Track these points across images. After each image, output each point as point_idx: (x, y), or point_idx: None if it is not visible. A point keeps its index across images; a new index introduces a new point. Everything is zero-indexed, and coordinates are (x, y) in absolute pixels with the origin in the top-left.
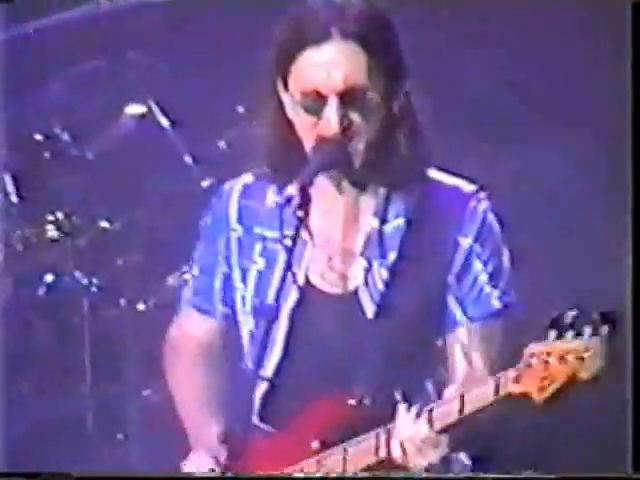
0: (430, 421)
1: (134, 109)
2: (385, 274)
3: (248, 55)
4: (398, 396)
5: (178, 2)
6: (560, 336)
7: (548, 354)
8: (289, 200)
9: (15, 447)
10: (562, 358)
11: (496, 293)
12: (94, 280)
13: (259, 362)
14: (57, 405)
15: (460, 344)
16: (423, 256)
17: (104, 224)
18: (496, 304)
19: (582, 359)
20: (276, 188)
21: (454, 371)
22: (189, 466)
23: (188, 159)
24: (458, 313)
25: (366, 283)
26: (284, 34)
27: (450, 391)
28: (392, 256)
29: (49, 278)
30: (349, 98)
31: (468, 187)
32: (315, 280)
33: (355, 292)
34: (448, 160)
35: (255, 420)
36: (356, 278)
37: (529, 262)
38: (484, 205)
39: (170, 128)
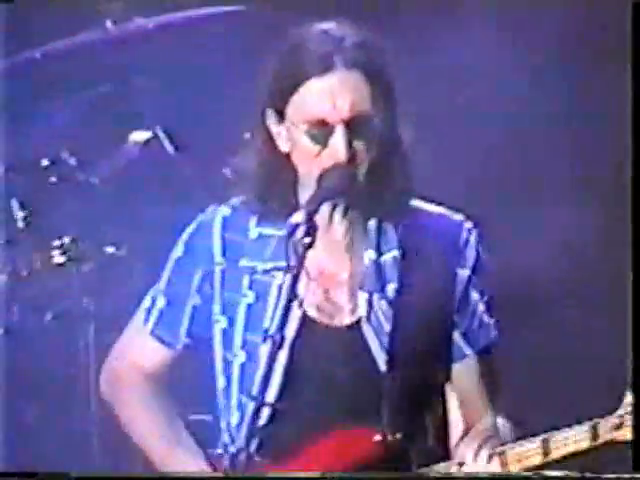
0: (504, 465)
1: (140, 135)
2: (385, 306)
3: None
4: (427, 431)
5: (183, 29)
6: None
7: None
8: (295, 228)
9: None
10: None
11: (492, 322)
12: (100, 305)
13: (260, 393)
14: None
15: (468, 376)
16: (423, 287)
17: (110, 249)
18: (494, 332)
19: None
20: (257, 218)
21: (463, 404)
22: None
23: (193, 186)
24: (462, 345)
25: (368, 317)
26: (282, 66)
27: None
28: (391, 288)
29: (55, 304)
30: (355, 126)
31: (455, 216)
32: (311, 312)
33: (356, 323)
34: (425, 188)
35: (254, 455)
36: (355, 311)
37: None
38: (475, 235)
39: (175, 154)
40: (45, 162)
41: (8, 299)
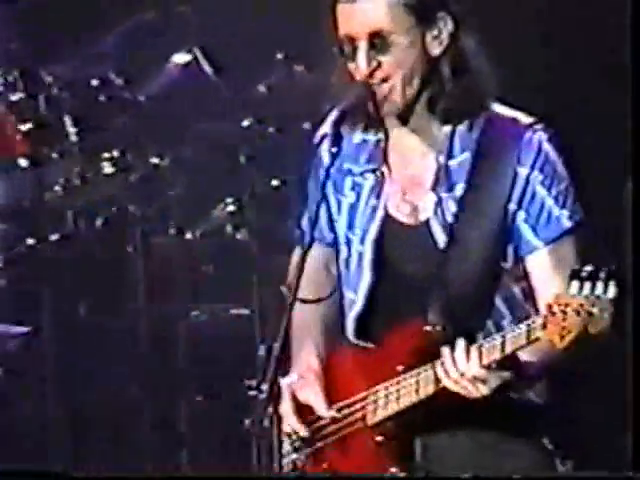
0: (480, 357)
1: (181, 57)
2: (453, 206)
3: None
4: (490, 324)
5: None
6: (580, 288)
7: (566, 305)
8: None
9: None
10: (577, 311)
11: (566, 213)
12: (146, 211)
13: (353, 284)
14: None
15: (538, 267)
16: (487, 187)
17: (155, 160)
18: (567, 223)
19: (591, 314)
20: (363, 126)
21: (534, 293)
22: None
23: (230, 102)
24: (532, 238)
25: (436, 215)
26: None
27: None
28: (459, 188)
29: (105, 210)
30: (376, 41)
31: (526, 119)
32: (392, 211)
33: (427, 223)
34: (508, 93)
35: (352, 337)
36: (426, 210)
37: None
38: (539, 135)
39: (213, 74)
40: (95, 82)
41: (63, 207)
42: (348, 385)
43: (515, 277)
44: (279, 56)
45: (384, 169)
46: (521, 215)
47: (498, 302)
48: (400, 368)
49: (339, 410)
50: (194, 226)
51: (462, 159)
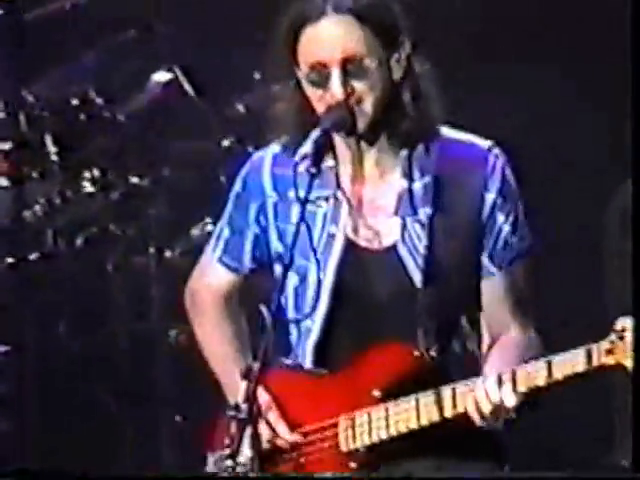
0: (514, 384)
1: (161, 76)
2: (420, 230)
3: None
4: (457, 346)
5: None
6: None
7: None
8: (303, 159)
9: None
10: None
11: (518, 238)
12: (126, 230)
13: (310, 312)
14: (90, 345)
15: (491, 292)
16: (454, 210)
17: (135, 179)
18: (519, 248)
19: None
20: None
21: (491, 319)
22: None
23: (209, 121)
24: (488, 264)
25: (403, 238)
26: (289, 17)
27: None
28: (423, 212)
29: (85, 230)
30: (349, 67)
31: (484, 143)
32: (352, 237)
33: (393, 247)
34: (458, 117)
35: (309, 365)
36: (391, 234)
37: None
38: (501, 160)
39: (193, 93)
40: (75, 101)
41: (43, 226)
42: (310, 412)
43: (479, 305)
44: (257, 76)
45: (339, 195)
46: (482, 239)
47: (464, 323)
48: (377, 394)
49: (305, 435)
50: (174, 245)
51: (424, 182)
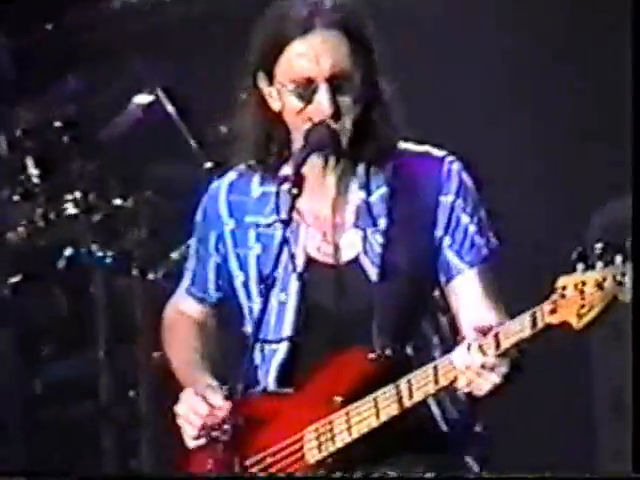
0: (481, 349)
1: (142, 98)
2: (380, 239)
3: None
4: (409, 349)
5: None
6: (591, 267)
7: (583, 283)
8: (285, 180)
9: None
10: (599, 285)
11: (483, 242)
12: (109, 252)
13: (275, 333)
14: (73, 367)
15: (466, 289)
16: (411, 218)
17: (117, 201)
18: (484, 251)
19: (621, 283)
20: (259, 178)
21: (461, 315)
22: (180, 406)
23: (192, 143)
24: (458, 263)
25: (364, 249)
26: (268, 31)
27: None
28: (382, 222)
29: (68, 251)
30: (337, 82)
31: (438, 152)
32: (313, 254)
33: (354, 260)
34: (415, 132)
35: (272, 385)
36: (352, 247)
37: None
38: (457, 165)
39: (175, 115)
40: (57, 123)
41: (25, 248)
42: (278, 433)
43: (443, 308)
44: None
45: (295, 216)
46: (447, 241)
47: (426, 329)
48: (338, 399)
49: (273, 455)
50: (156, 267)
51: (380, 193)
